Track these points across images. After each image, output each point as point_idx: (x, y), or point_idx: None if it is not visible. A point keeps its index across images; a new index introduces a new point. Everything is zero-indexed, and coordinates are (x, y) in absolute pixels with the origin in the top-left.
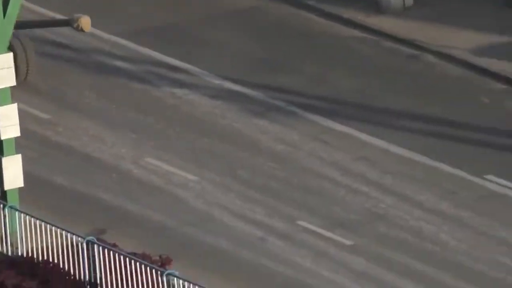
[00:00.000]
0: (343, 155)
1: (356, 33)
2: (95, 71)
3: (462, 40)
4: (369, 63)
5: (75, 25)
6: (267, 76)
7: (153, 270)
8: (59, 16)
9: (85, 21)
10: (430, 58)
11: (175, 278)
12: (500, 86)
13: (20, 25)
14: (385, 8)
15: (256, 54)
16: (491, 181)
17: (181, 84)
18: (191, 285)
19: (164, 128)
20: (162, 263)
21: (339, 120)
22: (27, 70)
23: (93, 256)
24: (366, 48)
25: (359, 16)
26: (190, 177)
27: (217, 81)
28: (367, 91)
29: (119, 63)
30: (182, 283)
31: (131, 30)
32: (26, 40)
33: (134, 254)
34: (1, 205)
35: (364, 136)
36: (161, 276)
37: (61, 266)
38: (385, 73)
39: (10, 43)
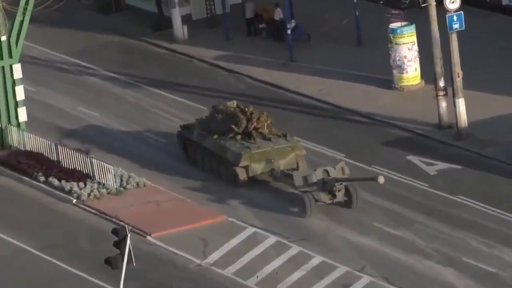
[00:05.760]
0: (160, 103)
1: (165, 51)
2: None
3: (209, 54)
4: (170, 64)
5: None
6: (125, 70)
7: (83, 155)
8: None
9: (381, 179)
10: (197, 62)
11: (93, 159)
12: (224, 73)
13: (345, 180)
14: (176, 39)
15: (122, 60)
16: None
17: (89, 74)
18: (100, 161)
19: (83, 93)
20: (87, 152)
21: (158, 88)
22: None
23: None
24: (169, 57)
25: (166, 44)
26: (96, 114)
27: (107, 73)
28: (170, 75)
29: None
30: (96, 161)
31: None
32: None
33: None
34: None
35: (170, 95)
36: (87, 157)
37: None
38: (176, 68)
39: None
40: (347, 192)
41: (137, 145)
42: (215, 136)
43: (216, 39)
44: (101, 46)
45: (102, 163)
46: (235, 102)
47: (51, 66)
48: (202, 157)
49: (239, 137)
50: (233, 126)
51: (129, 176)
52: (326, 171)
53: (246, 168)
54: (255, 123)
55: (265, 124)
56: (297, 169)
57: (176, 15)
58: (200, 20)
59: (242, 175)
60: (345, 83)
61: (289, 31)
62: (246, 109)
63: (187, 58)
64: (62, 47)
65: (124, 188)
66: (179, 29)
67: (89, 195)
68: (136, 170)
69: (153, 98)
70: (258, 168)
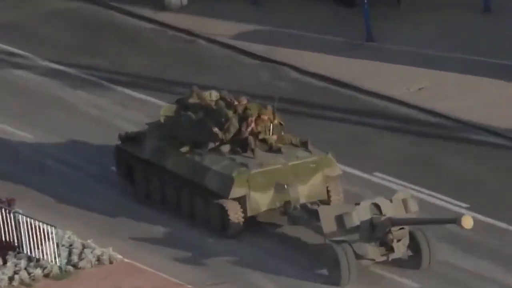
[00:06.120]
0: (141, 115)
1: (148, 25)
2: None
3: (224, 29)
4: (158, 47)
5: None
6: (82, 59)
7: (2, 209)
8: None
9: (467, 221)
10: (202, 42)
11: (20, 215)
12: (253, 61)
13: (408, 222)
14: (168, 7)
15: (73, 42)
16: None
17: (19, 66)
18: (32, 219)
19: (8, 99)
20: (9, 203)
21: (138, 90)
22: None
23: None
24: (155, 36)
25: (149, 13)
26: (27, 135)
27: (45, 63)
28: (158, 67)
29: None
30: (26, 219)
31: None
32: (429, 235)
33: None
34: None
35: (158, 101)
36: (9, 213)
37: None
38: (170, 54)
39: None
40: (413, 243)
41: (98, 189)
42: (183, 149)
43: (237, 3)
44: (41, 18)
45: (36, 222)
46: (212, 93)
47: None
48: (161, 186)
49: (227, 148)
50: (215, 131)
51: (84, 246)
52: (376, 205)
53: (241, 201)
54: (253, 125)
55: (270, 125)
56: (327, 202)
57: None
58: None
59: (235, 215)
60: (463, 77)
61: None
62: (236, 103)
63: (186, 36)
64: None
65: (75, 266)
66: None
67: (11, 279)
68: (97, 232)
69: (128, 106)
70: (262, 200)
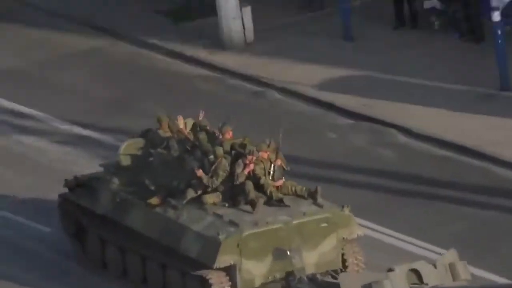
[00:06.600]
0: None
1: (200, 71)
2: None
3: (305, 75)
4: (213, 101)
5: None
6: (116, 119)
7: None
8: None
9: None
10: (275, 94)
11: None
12: (345, 120)
13: None
14: (228, 45)
15: (103, 96)
16: None
17: (28, 131)
18: None
19: (11, 179)
20: None
21: None
22: None
23: None
24: (211, 86)
25: (202, 54)
26: (43, 228)
27: (65, 126)
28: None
29: None
30: None
31: None
32: None
33: None
34: None
35: None
36: None
37: None
38: (230, 110)
39: None
40: None
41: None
42: (153, 201)
43: (323, 38)
44: (57, 63)
45: None
46: (189, 122)
47: None
48: (121, 252)
49: (212, 198)
50: (198, 173)
51: None
52: (415, 272)
53: (229, 271)
54: (252, 164)
55: (271, 167)
56: (343, 269)
57: None
58: None
59: None
60: None
61: (496, 17)
62: (221, 135)
63: (252, 86)
64: None
65: None
66: (233, 15)
67: None
68: None
69: None
70: (257, 271)
